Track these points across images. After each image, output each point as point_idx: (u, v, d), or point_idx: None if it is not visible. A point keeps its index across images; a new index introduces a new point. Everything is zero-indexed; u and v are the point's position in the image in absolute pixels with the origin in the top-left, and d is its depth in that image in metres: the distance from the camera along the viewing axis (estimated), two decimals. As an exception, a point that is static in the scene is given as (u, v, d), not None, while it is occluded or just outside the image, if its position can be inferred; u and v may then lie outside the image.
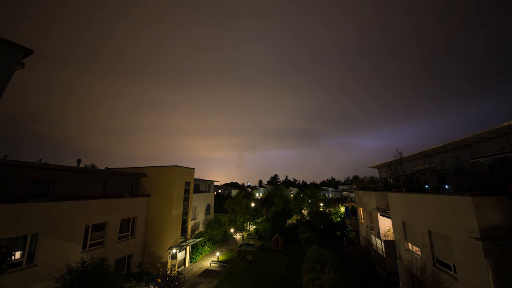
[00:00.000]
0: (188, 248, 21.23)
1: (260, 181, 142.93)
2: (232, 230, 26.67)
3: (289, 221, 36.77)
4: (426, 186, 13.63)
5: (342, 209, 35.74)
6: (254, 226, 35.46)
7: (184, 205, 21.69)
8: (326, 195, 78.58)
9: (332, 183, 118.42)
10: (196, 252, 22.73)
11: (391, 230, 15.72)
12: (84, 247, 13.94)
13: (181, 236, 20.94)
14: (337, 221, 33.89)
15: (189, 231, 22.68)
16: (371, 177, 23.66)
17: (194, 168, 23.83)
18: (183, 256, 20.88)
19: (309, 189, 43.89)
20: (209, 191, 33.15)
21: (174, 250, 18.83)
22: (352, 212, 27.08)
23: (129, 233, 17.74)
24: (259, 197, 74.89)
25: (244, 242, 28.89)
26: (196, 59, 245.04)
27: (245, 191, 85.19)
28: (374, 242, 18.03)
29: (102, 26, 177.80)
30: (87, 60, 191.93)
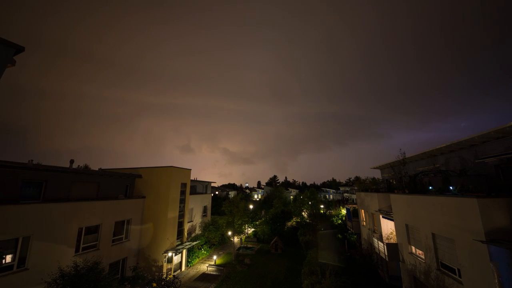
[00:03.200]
0: (184, 251, 20.80)
1: (259, 183, 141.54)
2: (229, 233, 26.25)
3: (289, 224, 36.26)
4: (430, 188, 13.33)
5: (343, 211, 35.43)
6: (253, 229, 35.00)
7: (180, 207, 21.30)
8: (327, 196, 78.30)
9: (333, 184, 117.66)
10: (192, 255, 22.32)
11: (394, 233, 15.39)
12: (77, 250, 13.65)
13: (177, 239, 20.53)
14: (338, 224, 33.54)
15: (186, 233, 22.24)
16: (373, 178, 23.37)
17: (191, 169, 23.49)
18: (179, 260, 20.46)
19: (309, 191, 43.58)
20: (206, 193, 32.82)
21: (170, 254, 18.42)
22: (353, 214, 26.68)
23: (124, 235, 17.35)
24: (257, 199, 74.56)
25: (242, 245, 28.39)
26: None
27: (243, 193, 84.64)
28: (376, 245, 17.66)
29: (96, 29, 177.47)
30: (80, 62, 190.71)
